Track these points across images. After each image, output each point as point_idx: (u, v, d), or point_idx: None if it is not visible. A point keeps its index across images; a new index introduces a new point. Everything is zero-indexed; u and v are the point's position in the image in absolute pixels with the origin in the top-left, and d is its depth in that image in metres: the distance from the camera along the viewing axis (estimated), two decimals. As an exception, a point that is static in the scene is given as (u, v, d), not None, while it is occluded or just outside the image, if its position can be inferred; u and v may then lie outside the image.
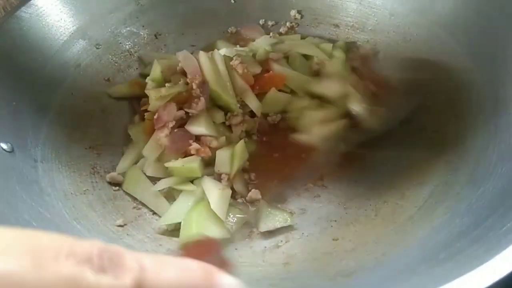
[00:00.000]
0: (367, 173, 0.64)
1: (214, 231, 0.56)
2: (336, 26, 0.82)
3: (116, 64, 0.78)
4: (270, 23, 0.85)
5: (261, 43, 0.78)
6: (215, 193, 0.58)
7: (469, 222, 0.46)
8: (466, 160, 0.56)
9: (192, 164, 0.61)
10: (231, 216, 0.59)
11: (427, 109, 0.67)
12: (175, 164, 0.61)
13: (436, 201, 0.55)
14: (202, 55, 0.67)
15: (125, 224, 0.59)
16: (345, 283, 0.48)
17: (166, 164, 0.62)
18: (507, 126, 0.54)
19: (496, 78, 0.58)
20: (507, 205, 0.44)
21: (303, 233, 0.58)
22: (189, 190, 0.60)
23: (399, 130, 0.68)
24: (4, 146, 0.57)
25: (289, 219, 0.58)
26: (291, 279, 0.51)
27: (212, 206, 0.57)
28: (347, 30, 0.81)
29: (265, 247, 0.57)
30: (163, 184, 0.62)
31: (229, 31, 0.84)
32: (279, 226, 0.58)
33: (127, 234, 0.57)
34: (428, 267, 0.42)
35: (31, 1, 0.68)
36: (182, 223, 0.57)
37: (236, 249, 0.57)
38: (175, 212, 0.59)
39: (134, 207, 0.62)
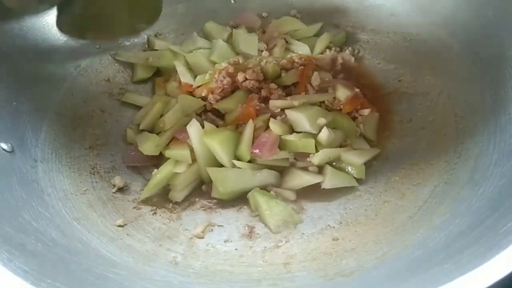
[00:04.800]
0: (367, 173, 0.64)
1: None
2: (336, 26, 0.82)
3: (116, 64, 0.78)
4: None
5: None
6: None
7: (469, 222, 0.46)
8: (466, 160, 0.56)
9: (309, 139, 0.62)
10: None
11: (427, 109, 0.67)
12: (291, 137, 0.63)
13: (436, 201, 0.55)
14: None
15: (125, 224, 0.59)
16: (345, 283, 0.48)
17: (283, 137, 0.63)
18: (507, 126, 0.54)
19: (496, 78, 0.58)
20: (507, 205, 0.44)
21: (303, 233, 0.58)
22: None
23: (399, 130, 0.68)
24: (4, 146, 0.57)
25: (354, 180, 0.62)
26: (291, 279, 0.51)
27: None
28: (347, 30, 0.81)
29: (265, 247, 0.57)
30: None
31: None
32: (343, 185, 0.61)
33: (127, 234, 0.57)
34: (428, 267, 0.42)
35: (31, 1, 0.68)
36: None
37: (236, 249, 0.57)
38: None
39: (134, 207, 0.63)
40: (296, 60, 0.74)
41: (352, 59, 0.78)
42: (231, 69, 0.71)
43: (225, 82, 0.70)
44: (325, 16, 0.82)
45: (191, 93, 0.74)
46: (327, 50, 0.79)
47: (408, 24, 0.74)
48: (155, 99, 0.74)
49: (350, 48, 0.79)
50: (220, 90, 0.70)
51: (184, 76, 0.75)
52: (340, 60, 0.77)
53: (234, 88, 0.72)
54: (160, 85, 0.78)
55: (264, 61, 0.75)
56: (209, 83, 0.72)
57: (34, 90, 0.65)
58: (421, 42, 0.72)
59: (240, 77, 0.70)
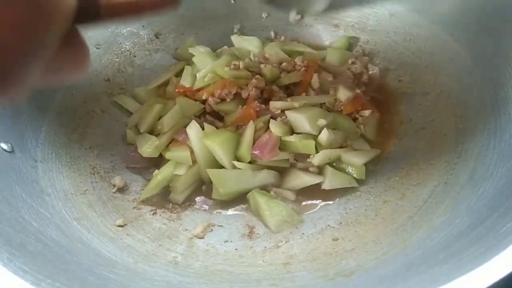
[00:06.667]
0: (367, 173, 0.64)
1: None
2: (336, 26, 0.82)
3: (116, 64, 0.78)
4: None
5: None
6: None
7: (469, 222, 0.46)
8: (466, 160, 0.56)
9: (309, 140, 0.62)
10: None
11: (427, 109, 0.67)
12: (291, 138, 0.63)
13: (436, 201, 0.55)
14: None
15: (125, 224, 0.59)
16: (345, 283, 0.48)
17: (283, 138, 0.63)
18: (507, 126, 0.54)
19: (496, 78, 0.58)
20: (507, 205, 0.44)
21: (303, 233, 0.58)
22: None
23: (399, 130, 0.68)
24: (4, 146, 0.57)
25: (354, 181, 0.62)
26: (291, 279, 0.51)
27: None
28: (347, 30, 0.81)
29: (265, 247, 0.57)
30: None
31: (235, 27, 0.84)
32: (343, 186, 0.62)
33: (127, 234, 0.57)
34: (428, 267, 0.42)
35: (31, 1, 0.68)
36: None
37: (236, 249, 0.57)
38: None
39: (134, 207, 0.63)
40: (298, 63, 0.73)
41: (377, 71, 0.75)
42: (233, 89, 0.69)
43: (228, 96, 0.70)
44: (325, 16, 0.82)
45: (187, 96, 0.73)
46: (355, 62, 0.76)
47: (408, 24, 0.74)
48: (151, 101, 0.73)
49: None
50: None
51: (186, 80, 0.74)
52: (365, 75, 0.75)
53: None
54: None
55: (263, 65, 0.73)
56: (209, 86, 0.71)
57: (34, 90, 0.65)
58: (421, 42, 0.72)
59: (244, 94, 0.69)
